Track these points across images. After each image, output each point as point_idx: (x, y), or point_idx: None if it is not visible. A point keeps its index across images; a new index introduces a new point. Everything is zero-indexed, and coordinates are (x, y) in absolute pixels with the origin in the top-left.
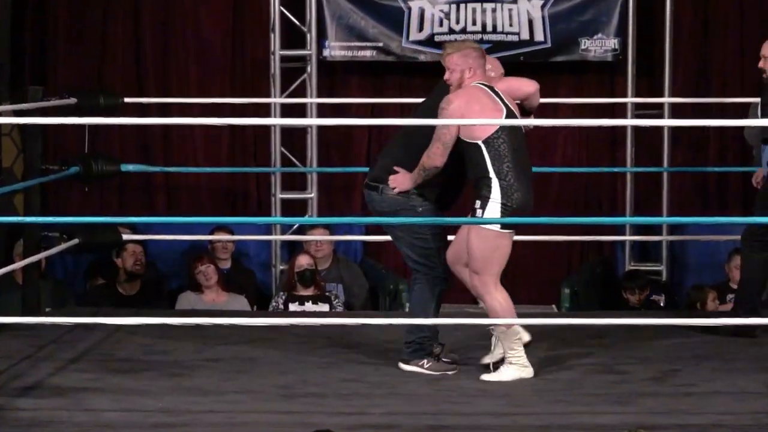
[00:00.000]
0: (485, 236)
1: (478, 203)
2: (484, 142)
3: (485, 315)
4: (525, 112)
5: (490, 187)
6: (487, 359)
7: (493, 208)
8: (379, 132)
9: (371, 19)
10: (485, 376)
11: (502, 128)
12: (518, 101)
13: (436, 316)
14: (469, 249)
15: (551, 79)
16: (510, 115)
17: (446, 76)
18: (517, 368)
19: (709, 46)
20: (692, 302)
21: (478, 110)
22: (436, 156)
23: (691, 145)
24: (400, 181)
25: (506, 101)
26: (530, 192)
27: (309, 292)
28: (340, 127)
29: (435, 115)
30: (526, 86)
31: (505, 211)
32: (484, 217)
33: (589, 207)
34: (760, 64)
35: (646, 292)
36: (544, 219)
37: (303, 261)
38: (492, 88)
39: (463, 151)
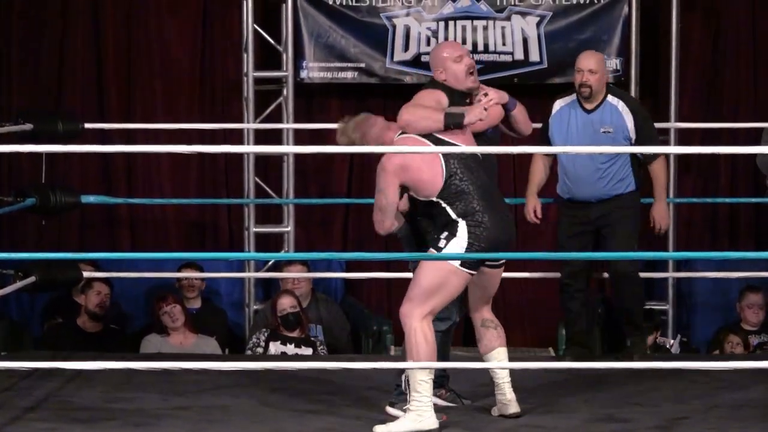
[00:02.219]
0: (440, 267)
1: (444, 234)
2: (439, 196)
3: (479, 359)
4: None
5: (456, 229)
6: (495, 411)
7: (458, 245)
8: (361, 160)
9: (352, 38)
10: (378, 428)
11: (452, 169)
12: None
13: (445, 358)
14: (416, 272)
15: (548, 103)
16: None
17: None
18: (413, 417)
19: (720, 66)
20: (715, 348)
21: (418, 160)
22: (376, 223)
23: (700, 174)
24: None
25: (441, 137)
26: (504, 221)
27: (293, 333)
28: (319, 155)
29: None
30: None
31: (471, 251)
32: (445, 252)
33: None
34: (585, 79)
35: (657, 334)
36: (540, 254)
37: (285, 303)
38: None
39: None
